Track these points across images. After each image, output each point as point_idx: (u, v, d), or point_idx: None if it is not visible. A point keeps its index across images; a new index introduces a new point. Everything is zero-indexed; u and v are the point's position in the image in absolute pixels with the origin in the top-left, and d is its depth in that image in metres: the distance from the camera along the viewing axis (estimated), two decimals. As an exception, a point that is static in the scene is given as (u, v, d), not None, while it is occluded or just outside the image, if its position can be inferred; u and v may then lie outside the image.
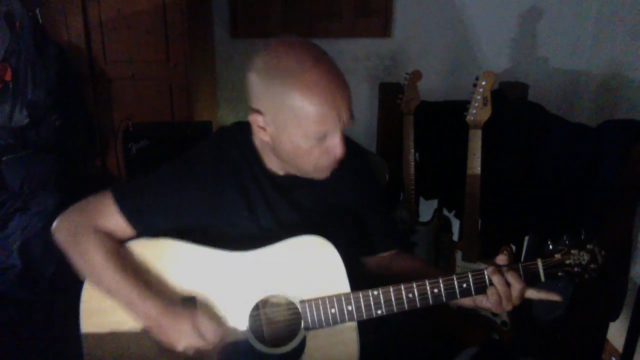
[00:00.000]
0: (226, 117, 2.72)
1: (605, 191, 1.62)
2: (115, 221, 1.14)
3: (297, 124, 1.06)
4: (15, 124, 1.96)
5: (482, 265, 1.87)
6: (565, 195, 1.77)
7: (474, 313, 1.83)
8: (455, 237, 2.21)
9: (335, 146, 1.10)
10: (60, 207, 1.82)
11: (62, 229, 1.15)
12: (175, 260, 1.15)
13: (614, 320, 1.72)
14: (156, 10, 2.09)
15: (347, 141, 1.30)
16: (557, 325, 1.82)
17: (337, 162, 1.14)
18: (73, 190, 2.03)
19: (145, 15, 2.09)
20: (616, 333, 1.98)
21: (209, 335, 1.09)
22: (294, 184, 1.20)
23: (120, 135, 2.00)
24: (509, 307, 1.11)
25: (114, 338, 1.13)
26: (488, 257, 1.87)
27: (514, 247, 2.00)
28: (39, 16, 2.03)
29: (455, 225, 2.23)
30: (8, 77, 1.95)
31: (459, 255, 1.89)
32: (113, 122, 2.21)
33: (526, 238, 2.06)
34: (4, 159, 1.98)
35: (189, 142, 2.00)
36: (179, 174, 1.18)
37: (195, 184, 1.17)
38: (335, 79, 1.06)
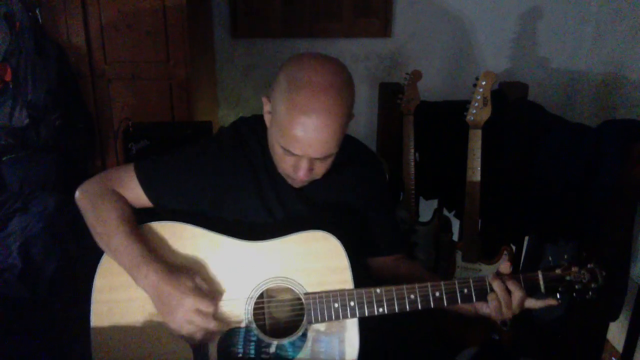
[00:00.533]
0: (226, 117, 2.72)
1: (605, 191, 1.62)
2: (133, 189, 1.22)
3: (275, 127, 1.13)
4: (15, 124, 1.96)
5: (482, 266, 1.87)
6: (565, 195, 1.77)
7: (474, 313, 1.83)
8: (455, 237, 2.21)
9: (300, 169, 1.14)
10: (61, 207, 1.83)
11: (84, 190, 1.23)
12: (186, 243, 1.18)
13: (614, 320, 1.72)
14: (156, 10, 2.09)
15: (359, 144, 1.36)
16: (557, 325, 1.82)
17: (303, 182, 1.18)
18: (73, 190, 2.02)
19: (145, 15, 2.09)
20: (616, 333, 1.98)
21: (208, 299, 1.10)
22: None
23: (120, 135, 2.00)
24: (508, 315, 1.13)
25: (123, 315, 1.15)
26: (488, 257, 1.88)
27: (514, 247, 2.00)
28: (39, 16, 2.03)
29: (455, 225, 2.23)
30: (8, 77, 1.95)
31: (459, 255, 1.89)
32: (113, 122, 2.21)
33: (526, 238, 2.06)
34: (4, 159, 1.98)
35: (189, 142, 2.01)
36: (199, 157, 1.24)
37: (212, 169, 1.22)
38: (321, 120, 1.07)
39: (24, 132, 1.99)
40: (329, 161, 1.17)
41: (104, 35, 2.12)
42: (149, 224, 1.19)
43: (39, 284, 1.65)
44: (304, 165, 1.13)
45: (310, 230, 1.16)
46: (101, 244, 1.17)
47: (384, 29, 2.56)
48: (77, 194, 1.23)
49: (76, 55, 2.13)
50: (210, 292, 1.13)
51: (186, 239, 1.18)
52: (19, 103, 1.96)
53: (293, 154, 1.12)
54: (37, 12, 2.03)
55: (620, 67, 2.33)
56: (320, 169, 1.17)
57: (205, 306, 1.09)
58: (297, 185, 1.21)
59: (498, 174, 1.98)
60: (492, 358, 1.77)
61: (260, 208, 1.23)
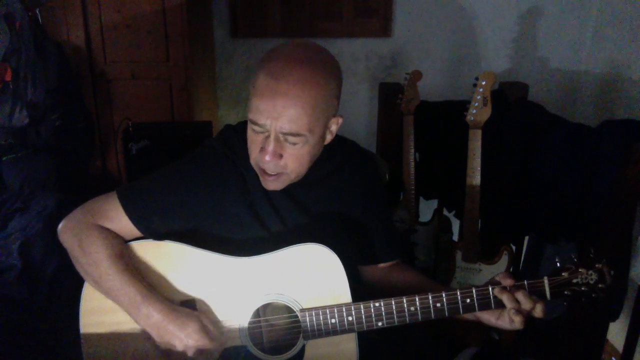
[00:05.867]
0: (226, 117, 2.73)
1: (605, 191, 1.62)
2: (120, 222, 1.14)
3: (249, 106, 1.08)
4: (15, 124, 1.96)
5: (482, 266, 1.88)
6: (565, 195, 1.77)
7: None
8: (455, 237, 2.21)
9: (266, 151, 1.07)
10: (60, 207, 1.83)
11: (67, 229, 1.14)
12: (177, 263, 1.14)
13: (614, 320, 1.72)
14: (156, 10, 2.09)
15: (356, 150, 1.31)
16: (557, 325, 1.82)
17: (269, 175, 1.11)
18: (73, 190, 2.03)
19: (145, 15, 2.09)
20: (616, 333, 1.98)
21: (214, 339, 1.09)
22: (299, 186, 1.18)
23: (120, 135, 2.00)
24: (520, 326, 1.08)
25: (113, 338, 1.12)
26: (488, 257, 1.88)
27: (514, 247, 2.00)
28: (39, 16, 2.03)
29: (455, 225, 2.23)
30: (8, 77, 1.95)
31: (459, 255, 1.89)
32: (113, 122, 2.21)
33: (526, 238, 2.06)
34: (4, 159, 1.98)
35: (189, 142, 2.01)
36: (184, 174, 1.17)
37: (201, 185, 1.16)
38: (292, 90, 1.02)
39: (24, 132, 1.99)
40: (301, 153, 1.09)
41: (104, 35, 2.12)
42: (133, 244, 1.14)
43: (39, 284, 1.64)
44: (270, 143, 1.05)
45: (304, 243, 1.12)
46: (94, 285, 1.12)
47: (384, 29, 2.56)
48: (60, 230, 1.15)
49: (76, 55, 2.13)
50: (216, 333, 1.10)
51: (173, 258, 1.14)
52: (19, 103, 1.96)
53: (260, 127, 1.05)
54: (37, 12, 2.03)
55: (620, 67, 2.33)
56: (290, 160, 1.09)
57: (210, 348, 1.08)
58: (268, 185, 1.13)
59: (498, 174, 1.98)
60: (492, 358, 1.76)
61: (253, 221, 1.17)
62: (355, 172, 1.26)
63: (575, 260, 1.10)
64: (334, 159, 1.24)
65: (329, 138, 1.16)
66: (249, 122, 1.09)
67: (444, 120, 2.10)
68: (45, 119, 2.02)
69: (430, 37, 2.59)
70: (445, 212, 2.26)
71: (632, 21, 2.26)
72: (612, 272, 1.09)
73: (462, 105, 1.81)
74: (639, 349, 1.82)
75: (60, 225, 1.15)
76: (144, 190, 1.17)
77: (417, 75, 2.01)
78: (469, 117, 1.78)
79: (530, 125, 1.92)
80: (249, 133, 1.11)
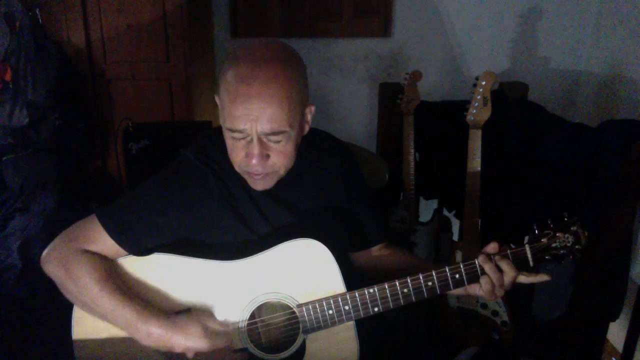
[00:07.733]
0: (226, 117, 2.72)
1: (605, 191, 1.62)
2: (105, 244, 1.11)
3: (223, 115, 1.06)
4: (15, 123, 1.96)
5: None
6: (565, 195, 1.77)
7: (474, 313, 1.83)
8: (455, 237, 2.21)
9: (252, 154, 1.06)
10: (60, 207, 1.83)
11: (51, 258, 1.11)
12: (168, 274, 1.13)
13: (614, 320, 1.72)
14: (156, 10, 2.09)
15: (329, 139, 1.30)
16: (557, 325, 1.82)
17: (257, 174, 1.10)
18: (73, 190, 2.03)
19: (145, 15, 2.09)
20: (616, 333, 1.98)
21: (221, 337, 1.09)
22: (280, 184, 1.17)
23: (120, 135, 2.00)
24: (501, 294, 1.13)
25: (106, 345, 1.12)
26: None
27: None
28: (39, 16, 2.03)
29: (455, 225, 2.23)
30: (8, 77, 1.95)
31: (459, 255, 1.89)
32: (113, 122, 2.21)
33: (526, 238, 2.06)
34: (4, 159, 1.98)
35: (189, 142, 2.01)
36: (164, 188, 1.15)
37: (182, 196, 1.14)
38: (265, 89, 1.01)
39: (24, 132, 1.99)
40: (287, 148, 1.08)
41: (104, 35, 2.12)
42: (121, 260, 1.13)
43: (39, 284, 1.65)
44: (255, 146, 1.04)
45: (293, 240, 1.11)
46: (88, 311, 1.10)
47: (384, 29, 2.56)
48: (44, 260, 1.11)
49: (76, 55, 2.13)
50: (221, 332, 1.10)
51: (163, 269, 1.13)
52: (19, 103, 1.96)
53: (241, 133, 1.04)
54: (37, 12, 2.03)
55: (620, 67, 2.33)
56: (278, 158, 1.08)
57: (218, 345, 1.08)
58: (258, 185, 1.12)
59: (498, 174, 1.98)
60: (492, 358, 1.76)
61: (240, 227, 1.15)
62: (333, 161, 1.26)
63: (552, 225, 1.15)
64: (310, 151, 1.23)
65: (307, 128, 1.16)
66: (226, 131, 1.07)
67: (444, 120, 2.10)
68: (45, 119, 2.02)
69: (430, 37, 2.59)
70: (445, 212, 2.26)
71: (632, 21, 2.26)
72: (585, 233, 1.14)
73: (462, 105, 1.81)
74: (639, 348, 1.82)
75: (43, 256, 1.12)
76: (124, 209, 1.14)
77: (417, 75, 2.01)
78: (469, 117, 1.78)
79: (530, 125, 1.92)
80: (229, 142, 1.09)
